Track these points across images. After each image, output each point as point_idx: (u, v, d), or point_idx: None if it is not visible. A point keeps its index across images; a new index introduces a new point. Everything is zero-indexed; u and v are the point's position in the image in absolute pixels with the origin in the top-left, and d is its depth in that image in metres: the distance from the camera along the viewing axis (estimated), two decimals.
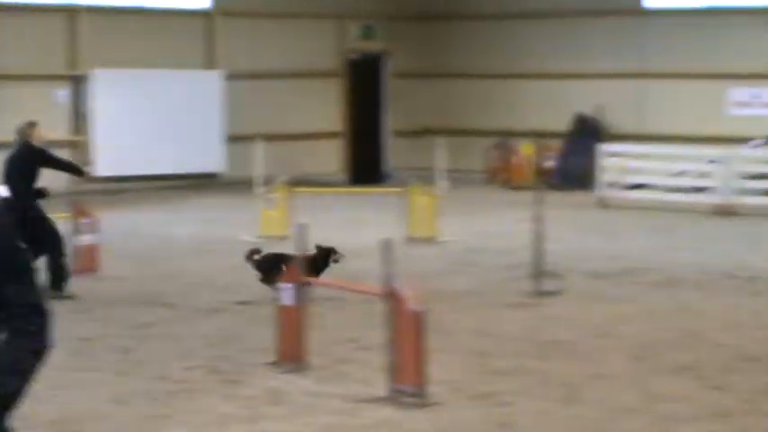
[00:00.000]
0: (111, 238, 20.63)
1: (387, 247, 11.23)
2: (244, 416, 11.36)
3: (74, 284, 17.44)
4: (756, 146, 28.92)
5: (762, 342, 14.50)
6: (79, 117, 29.72)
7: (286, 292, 12.76)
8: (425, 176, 26.47)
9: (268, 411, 11.48)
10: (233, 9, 32.04)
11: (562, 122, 32.52)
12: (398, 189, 24.73)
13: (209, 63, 31.71)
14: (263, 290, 15.75)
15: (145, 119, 30.55)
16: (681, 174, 28.54)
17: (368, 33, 34.12)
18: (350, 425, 10.90)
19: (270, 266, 16.21)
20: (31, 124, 17.49)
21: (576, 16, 33.12)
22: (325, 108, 33.45)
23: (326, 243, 16.65)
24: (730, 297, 17.54)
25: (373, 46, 34.54)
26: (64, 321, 11.53)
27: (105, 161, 29.65)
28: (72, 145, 29.64)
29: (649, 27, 32.81)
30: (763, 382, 12.53)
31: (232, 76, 31.21)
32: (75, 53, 30.07)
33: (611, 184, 28.35)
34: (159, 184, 30.09)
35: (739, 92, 31.65)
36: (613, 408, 11.69)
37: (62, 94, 29.94)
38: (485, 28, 34.47)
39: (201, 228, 24.51)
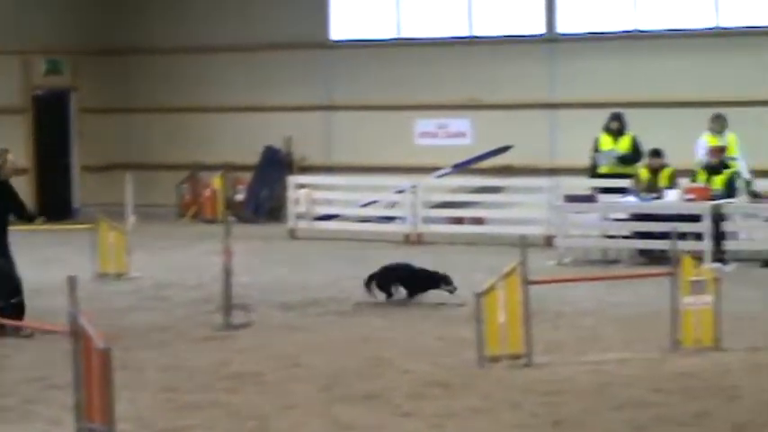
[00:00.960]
0: None
1: (72, 283, 10.77)
2: None
3: None
4: (442, 175, 29.54)
5: (447, 368, 14.68)
6: None
7: None
8: (114, 212, 26.34)
9: None
10: None
11: (252, 155, 32.60)
12: (87, 225, 24.64)
13: None
14: None
15: None
16: (370, 204, 29.03)
17: (54, 68, 33.89)
18: None
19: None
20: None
21: (264, 49, 33.06)
22: (11, 145, 33.06)
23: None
24: (417, 324, 17.79)
25: (60, 81, 34.21)
26: None
27: None
28: None
29: (336, 59, 32.90)
30: (450, 405, 12.67)
31: None
32: None
33: (301, 216, 28.81)
34: None
35: (425, 122, 32.08)
36: None
37: None
38: (167, 62, 34.27)
39: None
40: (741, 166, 25.13)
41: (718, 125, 25.37)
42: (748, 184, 24.63)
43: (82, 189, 33.54)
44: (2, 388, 12.73)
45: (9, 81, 32.95)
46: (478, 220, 27.84)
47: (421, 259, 21.37)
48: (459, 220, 28.22)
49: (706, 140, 25.13)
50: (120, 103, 34.77)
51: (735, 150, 25.25)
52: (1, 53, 32.48)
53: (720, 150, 24.45)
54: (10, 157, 16.11)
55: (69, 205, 33.73)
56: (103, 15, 34.35)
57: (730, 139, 25.28)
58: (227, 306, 17.37)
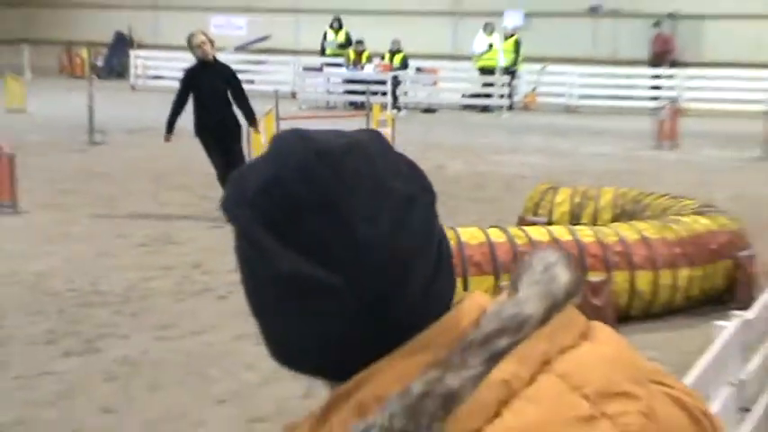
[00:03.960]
0: None
1: None
2: None
3: None
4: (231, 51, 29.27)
5: None
6: None
7: None
8: (17, 71, 25.62)
9: None
10: None
11: (107, 37, 31.73)
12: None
13: None
14: None
15: None
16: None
17: None
18: None
19: None
20: None
21: None
22: None
23: None
24: None
25: None
26: None
27: None
28: None
29: None
30: None
31: None
32: None
33: (138, 76, 28.39)
34: None
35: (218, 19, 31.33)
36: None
37: None
38: None
39: None
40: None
41: (488, 30, 24.64)
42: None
43: None
44: None
45: None
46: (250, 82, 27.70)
47: None
48: None
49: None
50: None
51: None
52: None
53: (394, 53, 24.72)
54: (201, 37, 11.09)
55: None
56: None
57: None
58: (91, 130, 17.16)
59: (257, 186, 1.03)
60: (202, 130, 11.08)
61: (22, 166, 11.58)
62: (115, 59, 30.65)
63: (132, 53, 29.47)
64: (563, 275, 1.01)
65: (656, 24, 25.55)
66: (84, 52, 31.00)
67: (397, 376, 0.95)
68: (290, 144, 1.06)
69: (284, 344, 1.06)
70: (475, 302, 1.02)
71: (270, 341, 1.07)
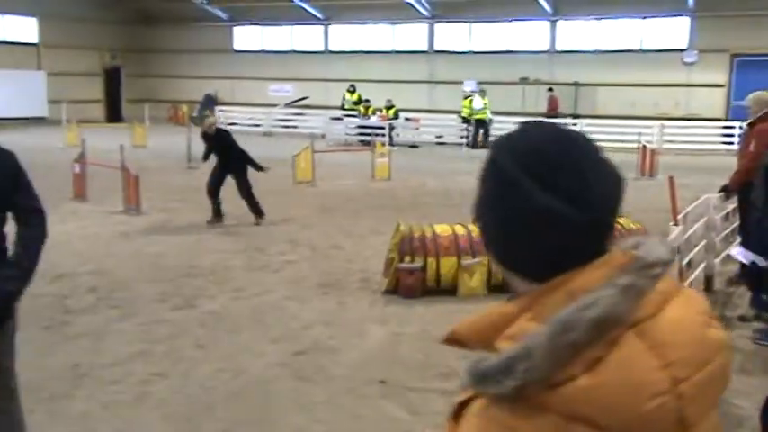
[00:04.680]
0: None
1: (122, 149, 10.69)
2: None
3: None
4: (282, 107, 29.11)
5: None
6: None
7: None
8: (139, 119, 25.56)
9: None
10: (55, 43, 29.59)
11: (200, 96, 31.44)
12: (128, 124, 23.69)
13: (39, 66, 29.31)
14: None
15: None
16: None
17: (114, 57, 32.34)
18: None
19: None
20: None
21: (208, 52, 32.19)
22: (95, 93, 31.71)
23: None
24: None
25: (115, 62, 32.61)
26: None
27: None
28: None
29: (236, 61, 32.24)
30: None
31: (52, 74, 29.12)
32: None
33: (221, 123, 28.26)
34: None
35: (276, 86, 31.26)
36: None
37: None
38: (166, 58, 33.20)
39: None
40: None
41: (482, 94, 24.00)
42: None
43: (126, 109, 32.29)
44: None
45: (94, 63, 31.38)
46: (294, 127, 27.64)
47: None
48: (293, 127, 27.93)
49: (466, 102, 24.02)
50: (144, 72, 33.10)
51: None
52: (90, 49, 30.92)
53: (389, 108, 24.62)
54: (212, 120, 10.94)
55: (120, 114, 32.31)
56: (133, 32, 32.81)
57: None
58: (189, 159, 17.01)
59: (528, 146, 1.07)
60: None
61: (144, 183, 11.57)
62: (204, 111, 30.56)
63: (216, 108, 29.42)
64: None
65: (550, 90, 25.52)
66: (184, 107, 31.22)
67: (594, 278, 1.00)
68: (546, 126, 1.11)
69: (519, 255, 1.07)
70: (619, 251, 1.06)
71: (506, 253, 1.09)
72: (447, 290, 7.11)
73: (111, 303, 6.88)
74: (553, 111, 24.86)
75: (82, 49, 30.40)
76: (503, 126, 23.92)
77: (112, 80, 32.45)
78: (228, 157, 10.31)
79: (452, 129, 24.88)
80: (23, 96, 28.24)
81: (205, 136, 10.67)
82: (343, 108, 26.39)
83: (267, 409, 4.65)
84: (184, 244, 9.45)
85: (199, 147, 17.83)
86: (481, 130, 23.76)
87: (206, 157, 10.79)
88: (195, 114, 30.01)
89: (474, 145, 23.24)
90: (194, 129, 19.48)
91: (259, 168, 10.43)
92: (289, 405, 4.70)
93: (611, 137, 20.48)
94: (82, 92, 29.97)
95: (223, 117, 28.39)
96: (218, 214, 10.54)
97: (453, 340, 1.07)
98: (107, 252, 8.90)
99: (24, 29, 29.13)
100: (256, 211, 10.57)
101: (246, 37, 32.30)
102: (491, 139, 23.43)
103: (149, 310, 6.71)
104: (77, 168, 12.43)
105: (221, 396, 4.82)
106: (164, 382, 5.03)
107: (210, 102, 30.97)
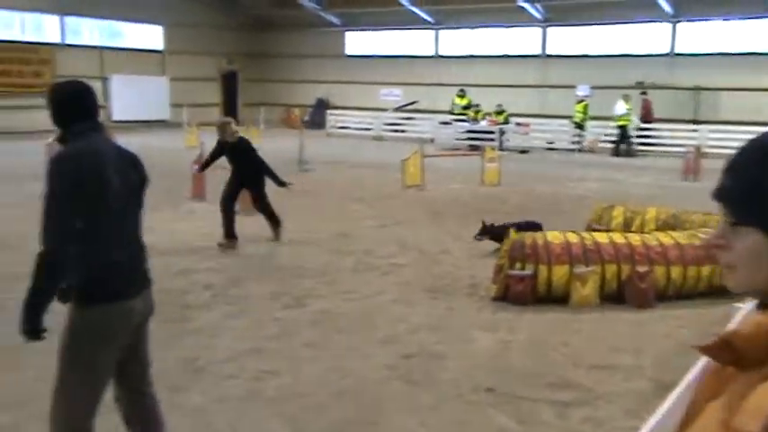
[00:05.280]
0: None
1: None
2: None
3: None
4: (392, 111, 29.28)
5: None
6: None
7: None
8: (256, 123, 26.32)
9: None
10: (178, 49, 31.01)
11: (312, 100, 32.30)
12: (243, 126, 24.35)
13: (163, 72, 30.77)
14: None
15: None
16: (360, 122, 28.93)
17: (231, 62, 33.49)
18: None
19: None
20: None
21: (316, 57, 32.86)
22: (213, 97, 32.93)
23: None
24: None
25: (232, 67, 33.76)
26: None
27: None
28: None
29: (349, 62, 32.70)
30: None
31: (175, 79, 30.48)
32: None
33: (332, 127, 28.82)
34: None
35: (385, 90, 31.56)
36: None
37: None
38: (281, 62, 34.11)
39: None
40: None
41: (626, 99, 22.84)
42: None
43: (242, 112, 33.32)
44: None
45: (212, 68, 32.59)
46: (402, 131, 27.73)
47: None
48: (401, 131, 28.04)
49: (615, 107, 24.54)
50: (259, 77, 34.08)
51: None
52: (210, 54, 32.12)
53: (499, 113, 24.37)
54: (234, 128, 9.54)
55: (236, 117, 33.18)
56: (250, 38, 33.85)
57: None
58: (301, 161, 17.41)
59: None
60: None
61: None
62: (317, 116, 31.15)
63: (328, 112, 29.98)
64: None
65: (643, 93, 24.17)
66: (297, 111, 32.01)
67: None
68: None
69: None
70: None
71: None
72: (558, 298, 6.95)
73: (226, 300, 7.10)
74: (647, 115, 23.70)
75: (202, 54, 31.60)
76: (614, 131, 23.27)
77: (229, 84, 33.57)
78: (246, 169, 9.34)
79: (564, 134, 24.37)
80: (148, 100, 29.69)
81: (224, 144, 9.49)
82: (452, 112, 26.30)
83: (375, 410, 4.68)
84: (295, 244, 9.63)
85: (311, 150, 18.54)
86: (627, 137, 22.58)
87: (206, 165, 9.90)
88: (307, 118, 30.73)
89: (617, 152, 22.37)
90: (305, 132, 19.94)
91: (281, 183, 9.56)
92: (396, 408, 4.72)
93: (733, 144, 19.47)
94: (201, 96, 31.16)
95: (334, 120, 28.94)
96: (230, 235, 9.24)
97: (720, 349, 1.00)
98: (222, 250, 9.20)
99: (150, 37, 30.57)
100: (275, 222, 9.72)
101: (357, 42, 32.72)
102: (634, 146, 22.69)
103: (261, 308, 6.88)
104: (195, 169, 12.87)
105: (331, 395, 4.89)
106: (275, 380, 5.15)
107: (322, 106, 31.64)
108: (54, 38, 27.39)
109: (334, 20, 32.22)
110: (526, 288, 6.86)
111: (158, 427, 3.46)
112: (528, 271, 6.89)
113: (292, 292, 7.38)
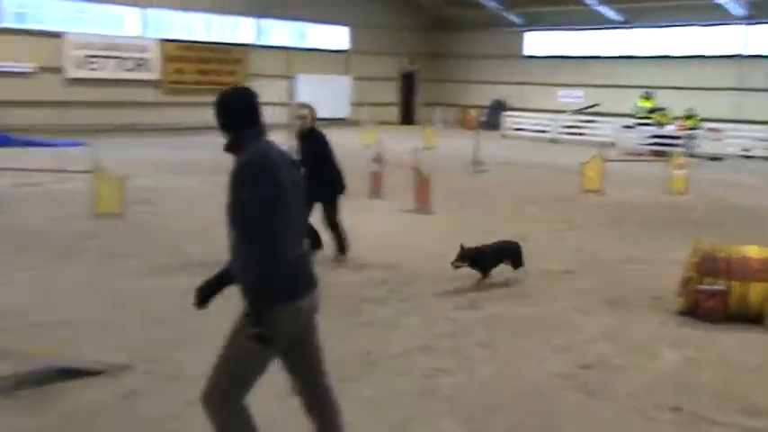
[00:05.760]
0: None
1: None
2: None
3: None
4: (570, 113, 28.52)
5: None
6: None
7: None
8: (432, 123, 26.61)
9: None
10: (361, 50, 31.91)
11: (487, 101, 32.12)
12: (419, 126, 24.66)
13: (346, 71, 31.79)
14: None
15: None
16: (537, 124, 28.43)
17: (411, 62, 34.04)
18: None
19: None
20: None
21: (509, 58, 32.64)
22: (391, 95, 33.60)
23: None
24: None
25: (412, 67, 34.28)
26: None
27: None
28: None
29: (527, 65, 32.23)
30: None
31: (357, 79, 31.43)
32: None
33: (507, 128, 28.54)
34: None
35: (564, 92, 30.77)
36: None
37: None
38: (458, 63, 34.24)
39: None
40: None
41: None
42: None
43: (418, 112, 33.78)
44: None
45: (393, 68, 33.26)
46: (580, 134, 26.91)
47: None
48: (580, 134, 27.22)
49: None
50: (436, 77, 34.37)
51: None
52: (391, 55, 32.80)
53: (689, 117, 23.01)
54: (304, 111, 7.87)
55: (412, 117, 33.88)
56: (430, 38, 34.22)
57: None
58: (475, 162, 17.37)
59: None
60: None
61: (433, 184, 11.93)
62: (493, 117, 30.94)
63: (504, 114, 29.72)
64: None
65: None
66: (472, 112, 31.99)
67: None
68: None
69: None
70: None
71: None
72: (753, 318, 6.45)
73: (400, 297, 7.21)
74: None
75: (384, 55, 32.38)
76: None
77: (407, 84, 34.13)
78: (319, 169, 7.76)
79: (762, 141, 22.62)
80: (331, 99, 30.84)
81: (299, 135, 7.96)
82: (635, 116, 25.18)
83: (549, 417, 4.57)
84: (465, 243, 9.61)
85: (485, 150, 18.44)
86: None
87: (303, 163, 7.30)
88: (483, 119, 30.61)
89: None
90: (481, 133, 19.87)
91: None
92: (572, 417, 4.58)
93: None
94: (380, 95, 31.95)
95: (510, 122, 28.62)
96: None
97: None
98: (398, 247, 9.34)
99: (335, 37, 31.71)
100: (341, 245, 8.30)
101: (536, 42, 32.17)
102: None
103: (434, 306, 6.93)
104: (374, 167, 13.24)
105: (503, 398, 4.83)
106: (448, 379, 5.16)
107: (498, 107, 31.40)
108: (248, 39, 29.09)
109: (516, 19, 31.86)
110: (718, 304, 6.42)
111: (335, 416, 3.57)
112: (720, 286, 6.44)
113: (465, 294, 7.37)
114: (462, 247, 7.42)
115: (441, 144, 22.15)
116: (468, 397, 4.84)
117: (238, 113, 3.14)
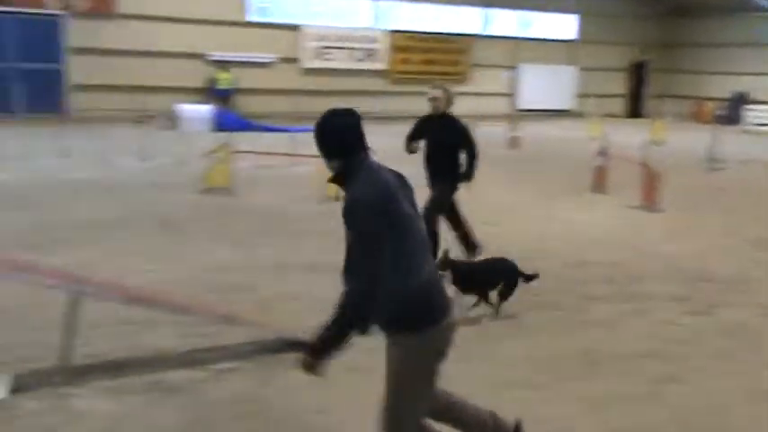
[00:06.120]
0: None
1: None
2: None
3: None
4: None
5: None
6: None
7: None
8: (661, 116, 25.19)
9: None
10: (590, 39, 30.98)
11: (727, 94, 29.72)
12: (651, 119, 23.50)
13: (572, 62, 30.98)
14: None
15: None
16: None
17: (643, 52, 32.46)
18: None
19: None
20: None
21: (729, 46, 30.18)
22: (618, 87, 32.29)
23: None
24: None
25: (643, 57, 32.66)
26: None
27: None
28: None
29: None
30: None
31: (583, 69, 30.55)
32: None
33: (749, 124, 26.36)
34: None
35: None
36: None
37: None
38: (693, 52, 32.12)
39: None
40: None
41: None
42: None
43: (647, 104, 32.11)
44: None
45: (622, 58, 31.88)
46: None
47: None
48: None
49: None
50: (669, 67, 32.50)
51: None
52: (621, 44, 31.51)
53: None
54: (437, 93, 7.01)
55: (640, 109, 32.32)
56: (666, 25, 32.37)
57: None
58: (711, 159, 16.16)
59: None
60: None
61: (663, 180, 11.35)
62: (733, 111, 28.68)
63: (746, 107, 27.44)
64: None
65: None
66: (709, 105, 29.83)
67: None
68: None
69: None
70: None
71: None
72: None
73: (625, 297, 6.89)
74: None
75: (613, 44, 31.12)
76: None
77: (637, 75, 32.59)
78: (440, 156, 7.13)
79: None
80: (555, 90, 30.30)
81: (428, 117, 7.26)
82: None
83: None
84: (701, 247, 9.00)
85: (723, 147, 16.99)
86: None
87: (409, 147, 7.34)
88: (721, 112, 28.45)
89: None
90: (718, 128, 18.47)
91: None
92: None
93: None
94: (606, 86, 30.80)
95: (753, 117, 26.37)
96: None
97: None
98: (623, 245, 8.94)
99: (560, 26, 30.91)
100: (468, 242, 7.51)
101: None
102: None
103: (663, 309, 6.55)
104: (599, 160, 12.78)
105: (736, 416, 4.45)
106: (676, 387, 4.86)
107: (740, 100, 29.04)
108: (473, 29, 29.18)
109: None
110: None
111: (465, 404, 3.36)
112: None
113: (698, 298, 6.90)
114: (445, 254, 6.02)
115: (671, 138, 20.92)
116: (699, 408, 4.51)
117: (342, 141, 2.93)
